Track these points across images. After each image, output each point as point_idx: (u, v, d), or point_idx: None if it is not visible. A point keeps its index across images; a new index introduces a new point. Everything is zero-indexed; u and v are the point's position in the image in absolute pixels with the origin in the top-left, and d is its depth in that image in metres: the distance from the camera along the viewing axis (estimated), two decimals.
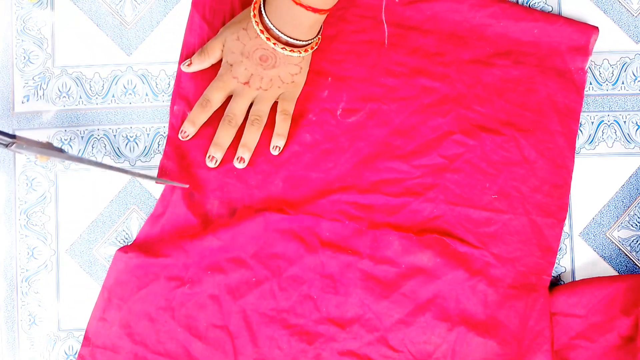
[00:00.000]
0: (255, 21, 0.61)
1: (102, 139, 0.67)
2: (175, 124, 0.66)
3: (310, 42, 0.62)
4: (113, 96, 0.67)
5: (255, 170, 0.65)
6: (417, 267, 0.63)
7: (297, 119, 0.65)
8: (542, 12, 0.65)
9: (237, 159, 0.64)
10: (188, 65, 0.65)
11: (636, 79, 0.66)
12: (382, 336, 0.62)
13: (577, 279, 0.65)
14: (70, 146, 0.67)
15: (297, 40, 0.61)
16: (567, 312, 0.62)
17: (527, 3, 0.67)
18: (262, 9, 0.61)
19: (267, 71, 0.63)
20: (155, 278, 0.63)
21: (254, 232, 0.63)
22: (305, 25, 0.60)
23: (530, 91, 0.64)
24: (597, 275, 0.64)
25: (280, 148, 0.64)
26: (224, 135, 0.64)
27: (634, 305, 0.60)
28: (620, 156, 0.65)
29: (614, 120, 0.65)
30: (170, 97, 0.67)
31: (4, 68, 0.68)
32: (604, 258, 0.65)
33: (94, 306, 0.64)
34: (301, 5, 0.58)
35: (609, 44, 0.66)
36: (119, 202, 0.66)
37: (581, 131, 0.66)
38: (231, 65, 0.63)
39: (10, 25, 0.68)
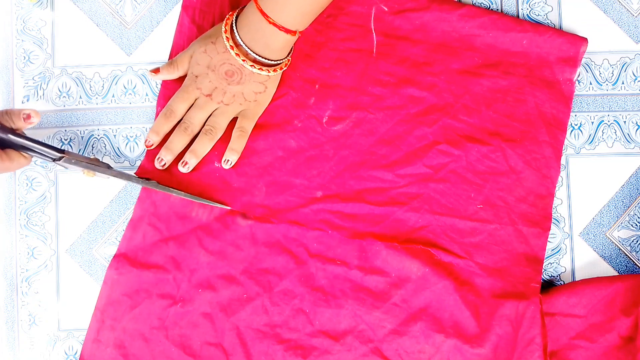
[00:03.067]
0: (226, 36, 0.61)
1: (102, 139, 0.67)
2: None
3: (279, 62, 0.62)
4: (113, 96, 0.67)
5: (238, 173, 0.65)
6: (407, 276, 0.63)
7: (282, 124, 0.65)
8: (532, 23, 0.65)
9: (182, 163, 0.63)
10: (155, 72, 0.64)
11: (636, 79, 0.66)
12: (376, 347, 0.62)
13: (577, 279, 0.64)
14: (70, 146, 0.67)
15: (266, 59, 0.61)
16: (567, 312, 0.62)
17: (527, 2, 0.67)
18: (234, 25, 0.61)
19: (231, 86, 0.63)
20: (147, 297, 0.63)
21: (241, 245, 0.64)
22: (276, 45, 0.60)
23: (518, 101, 0.64)
24: (597, 275, 0.64)
25: (231, 162, 0.64)
26: (177, 141, 0.63)
27: (634, 305, 0.60)
28: (620, 156, 0.65)
29: (614, 120, 0.65)
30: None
31: (4, 68, 0.68)
32: (604, 258, 0.65)
33: (88, 328, 0.64)
34: (274, 24, 0.58)
35: (609, 44, 0.66)
36: (119, 202, 0.66)
37: (581, 131, 0.66)
38: (196, 76, 0.63)
39: (10, 25, 0.68)
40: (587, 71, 0.66)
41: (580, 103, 0.66)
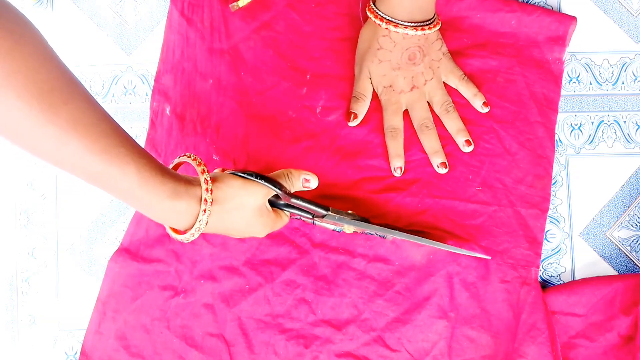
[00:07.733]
0: (385, 28, 0.60)
1: None
2: (154, 120, 0.66)
3: (433, 19, 0.61)
4: (113, 96, 0.67)
5: (236, 162, 0.65)
6: (411, 264, 0.63)
7: (276, 115, 0.65)
8: (520, 3, 0.65)
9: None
10: (354, 118, 0.63)
11: (636, 79, 0.66)
12: (378, 336, 0.62)
13: (577, 279, 0.64)
14: None
15: (421, 22, 0.60)
16: (567, 311, 0.62)
17: (526, 1, 0.67)
18: (378, 10, 0.60)
19: (420, 65, 0.62)
20: (149, 288, 0.63)
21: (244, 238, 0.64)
22: (425, 4, 0.59)
23: (508, 82, 0.64)
24: (597, 275, 0.64)
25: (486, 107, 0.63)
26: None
27: (633, 304, 0.60)
28: (620, 156, 0.65)
29: (614, 120, 0.65)
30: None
31: None
32: (604, 258, 0.65)
33: (89, 320, 0.64)
34: None
35: (609, 44, 0.66)
36: (119, 202, 0.66)
37: (581, 131, 0.66)
38: (390, 86, 0.63)
39: None
40: (587, 71, 0.66)
41: (580, 103, 0.66)
